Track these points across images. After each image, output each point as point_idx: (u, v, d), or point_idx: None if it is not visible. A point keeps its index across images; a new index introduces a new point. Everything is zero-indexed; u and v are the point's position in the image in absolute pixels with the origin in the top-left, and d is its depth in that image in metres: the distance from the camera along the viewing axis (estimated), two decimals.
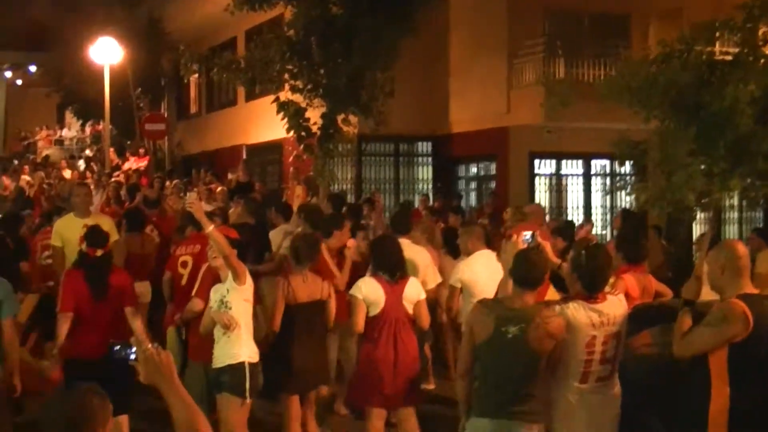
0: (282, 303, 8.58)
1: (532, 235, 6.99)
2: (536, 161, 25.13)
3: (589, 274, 6.37)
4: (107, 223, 10.63)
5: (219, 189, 20.00)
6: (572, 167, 26.03)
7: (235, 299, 7.86)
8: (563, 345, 6.23)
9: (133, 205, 17.33)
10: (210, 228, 7.82)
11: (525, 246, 6.86)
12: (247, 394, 7.80)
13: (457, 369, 6.75)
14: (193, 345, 8.85)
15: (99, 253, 8.51)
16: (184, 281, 9.85)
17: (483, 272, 9.40)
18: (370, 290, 8.45)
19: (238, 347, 7.82)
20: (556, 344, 6.27)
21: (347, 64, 19.96)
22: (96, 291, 8.45)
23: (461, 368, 6.62)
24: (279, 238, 11.34)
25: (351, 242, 10.99)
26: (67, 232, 10.75)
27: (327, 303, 8.83)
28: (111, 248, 8.92)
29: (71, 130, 41.23)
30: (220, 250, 7.89)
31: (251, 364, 7.82)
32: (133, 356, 3.78)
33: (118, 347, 3.85)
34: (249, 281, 7.95)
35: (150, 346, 3.80)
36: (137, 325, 8.44)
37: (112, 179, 24.59)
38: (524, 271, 6.42)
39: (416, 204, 22.74)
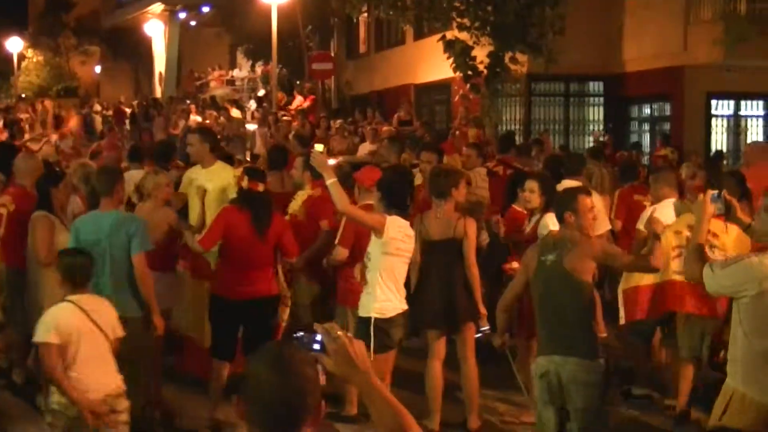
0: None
1: (719, 195, 6.34)
2: (713, 102, 24.22)
3: None
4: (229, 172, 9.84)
5: (384, 129, 19.92)
6: (752, 108, 24.97)
7: (374, 251, 7.49)
8: (758, 299, 5.69)
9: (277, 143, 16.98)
10: (330, 180, 7.34)
11: (713, 207, 6.24)
12: (371, 349, 7.45)
13: (498, 304, 7.30)
14: (340, 290, 8.77)
15: (261, 188, 8.27)
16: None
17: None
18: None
19: (369, 301, 7.50)
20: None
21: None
22: (259, 226, 8.21)
23: (501, 303, 7.24)
24: None
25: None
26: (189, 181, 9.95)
27: (464, 241, 8.31)
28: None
29: (242, 70, 41.84)
30: (338, 206, 7.48)
31: (380, 320, 7.43)
32: (317, 346, 3.23)
33: (301, 334, 3.26)
34: (390, 233, 7.40)
35: (340, 333, 3.28)
36: None
37: (284, 118, 24.74)
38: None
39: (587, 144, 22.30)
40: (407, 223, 7.62)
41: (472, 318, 8.46)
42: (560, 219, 6.81)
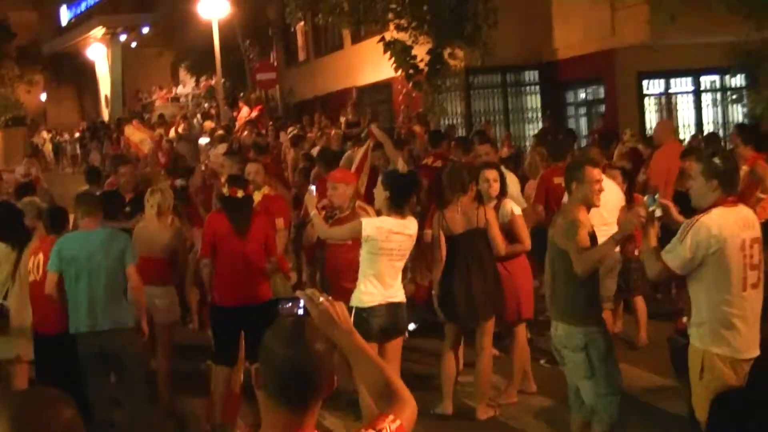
0: (441, 235, 8.74)
1: (654, 199, 6.78)
2: (645, 81, 24.98)
3: (728, 175, 6.17)
4: None
5: (333, 133, 20.47)
6: (682, 85, 25.77)
7: (362, 250, 7.93)
8: (716, 257, 5.97)
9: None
10: (313, 212, 8.36)
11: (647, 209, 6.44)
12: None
13: None
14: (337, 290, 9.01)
15: (240, 193, 8.81)
16: None
17: None
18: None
19: (356, 294, 7.93)
20: None
21: None
22: (237, 226, 8.69)
23: None
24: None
25: None
26: None
27: (488, 228, 8.69)
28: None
29: (186, 87, 42.17)
30: (321, 234, 8.65)
31: (360, 309, 7.78)
32: (302, 311, 3.43)
33: (288, 304, 3.47)
34: (368, 233, 7.78)
35: (322, 298, 3.44)
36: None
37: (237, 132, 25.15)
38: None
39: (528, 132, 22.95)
40: (401, 222, 7.86)
41: (495, 309, 8.84)
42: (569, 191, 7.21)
